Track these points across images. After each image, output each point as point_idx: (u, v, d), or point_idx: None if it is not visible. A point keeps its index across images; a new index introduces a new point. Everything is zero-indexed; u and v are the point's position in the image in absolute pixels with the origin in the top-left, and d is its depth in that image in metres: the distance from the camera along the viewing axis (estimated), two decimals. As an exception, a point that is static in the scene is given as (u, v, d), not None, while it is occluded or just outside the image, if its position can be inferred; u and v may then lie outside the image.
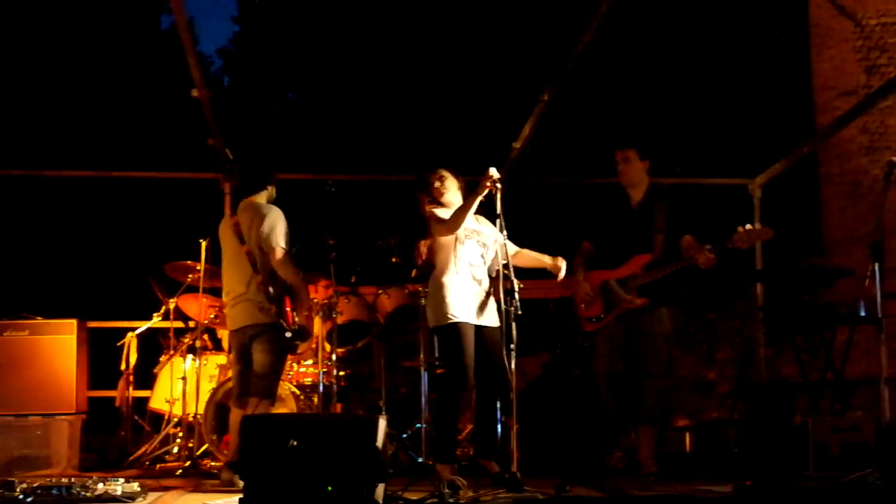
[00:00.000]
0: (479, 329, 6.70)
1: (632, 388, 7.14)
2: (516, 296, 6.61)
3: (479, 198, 6.58)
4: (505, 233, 6.60)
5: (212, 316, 8.34)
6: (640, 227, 7.22)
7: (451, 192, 6.93)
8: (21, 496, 5.80)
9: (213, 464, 7.70)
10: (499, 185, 6.50)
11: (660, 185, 7.48)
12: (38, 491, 5.89)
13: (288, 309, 6.98)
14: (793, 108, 14.36)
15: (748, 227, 6.85)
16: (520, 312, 6.62)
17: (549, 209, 8.61)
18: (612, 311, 7.18)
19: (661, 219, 7.22)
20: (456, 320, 6.65)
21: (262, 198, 7.26)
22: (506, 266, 6.55)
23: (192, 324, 8.59)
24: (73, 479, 6.18)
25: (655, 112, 15.70)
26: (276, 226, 7.02)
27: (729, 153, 13.85)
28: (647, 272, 7.09)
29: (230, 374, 7.89)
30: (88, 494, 5.88)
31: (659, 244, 7.15)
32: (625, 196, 7.38)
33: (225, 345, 8.95)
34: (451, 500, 5.63)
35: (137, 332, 8.72)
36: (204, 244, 8.10)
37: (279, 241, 6.96)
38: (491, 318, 6.79)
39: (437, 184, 6.88)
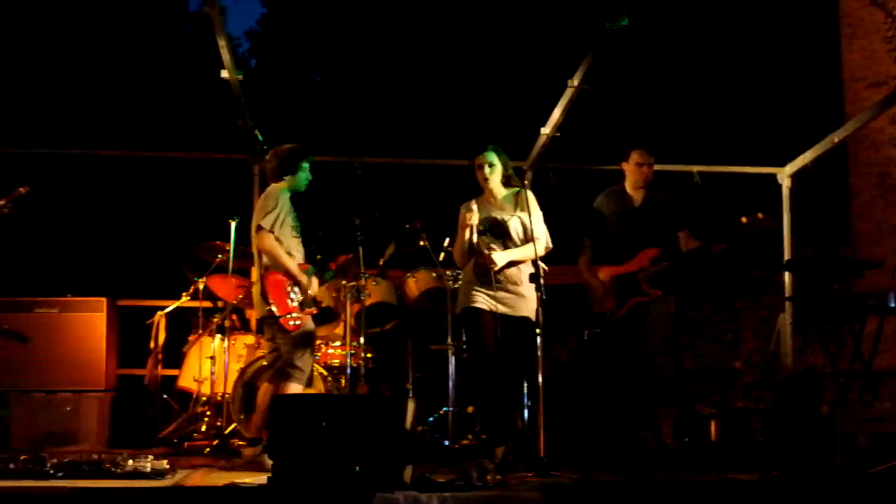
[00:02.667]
0: (497, 317, 6.75)
1: (644, 372, 7.18)
2: (541, 281, 6.66)
3: (465, 236, 6.86)
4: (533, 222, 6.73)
5: (240, 296, 8.38)
6: (643, 223, 7.31)
7: (495, 178, 7.00)
8: (51, 471, 5.86)
9: (240, 442, 7.74)
10: (475, 223, 6.81)
11: (656, 183, 7.53)
12: (69, 466, 5.94)
13: (284, 297, 6.98)
14: (822, 99, 14.29)
15: (750, 217, 6.88)
16: (545, 297, 6.68)
17: (578, 195, 8.59)
18: (625, 305, 7.23)
19: (664, 213, 7.32)
20: (469, 307, 6.75)
21: (283, 184, 7.25)
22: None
23: (220, 304, 8.63)
24: (102, 455, 6.24)
25: (685, 101, 15.66)
26: (266, 206, 7.04)
27: (759, 142, 13.79)
28: (655, 265, 7.15)
29: (258, 353, 7.97)
30: (118, 470, 5.93)
31: (664, 238, 7.24)
32: (624, 196, 7.45)
33: (253, 325, 9.01)
34: (478, 483, 5.64)
35: (166, 311, 8.77)
36: (233, 224, 8.12)
37: (260, 221, 6.97)
38: (512, 309, 6.84)
39: (476, 173, 6.98)
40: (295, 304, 6.97)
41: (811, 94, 15.32)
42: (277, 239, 7.00)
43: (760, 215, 6.95)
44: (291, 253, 7.09)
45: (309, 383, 7.16)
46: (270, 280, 7.00)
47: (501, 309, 6.79)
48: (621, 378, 7.27)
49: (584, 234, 7.57)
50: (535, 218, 6.94)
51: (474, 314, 6.82)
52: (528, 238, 6.88)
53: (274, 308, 6.88)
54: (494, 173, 7.01)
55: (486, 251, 6.83)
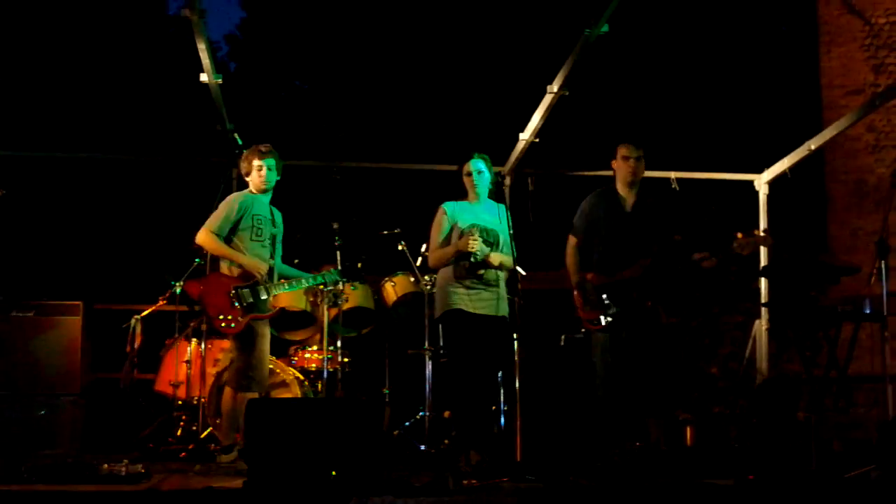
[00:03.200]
0: (479, 319, 6.78)
1: (634, 382, 7.14)
2: (518, 286, 6.71)
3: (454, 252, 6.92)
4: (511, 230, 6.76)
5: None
6: (635, 229, 7.24)
7: (483, 186, 7.04)
8: (26, 475, 5.83)
9: (215, 447, 7.72)
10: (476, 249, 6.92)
11: (648, 188, 7.49)
12: (43, 470, 5.92)
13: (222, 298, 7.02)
14: (800, 106, 14.35)
15: (748, 235, 6.87)
16: (521, 302, 6.71)
17: (556, 201, 8.61)
18: (614, 314, 7.14)
19: (655, 219, 7.26)
20: (451, 308, 6.76)
21: (245, 191, 7.44)
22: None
23: (196, 308, 8.60)
24: (77, 459, 6.22)
25: (663, 107, 15.69)
26: (216, 210, 7.26)
27: (736, 149, 13.83)
28: (649, 274, 7.11)
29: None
30: (93, 474, 5.92)
31: (656, 245, 7.18)
32: (616, 196, 7.38)
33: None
34: (454, 488, 5.65)
35: (143, 314, 8.74)
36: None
37: (208, 222, 7.15)
38: (491, 308, 6.86)
39: (465, 179, 7.01)
40: (237, 305, 6.96)
41: (789, 101, 15.37)
42: (229, 240, 7.09)
43: (759, 232, 6.97)
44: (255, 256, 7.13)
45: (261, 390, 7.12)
46: (210, 280, 7.17)
47: (480, 309, 6.81)
48: (610, 383, 7.21)
49: (571, 232, 7.48)
50: (507, 234, 6.99)
51: (456, 315, 6.82)
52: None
53: (203, 307, 6.99)
54: (483, 180, 7.06)
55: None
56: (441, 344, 7.89)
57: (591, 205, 7.45)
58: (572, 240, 7.45)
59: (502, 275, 7.04)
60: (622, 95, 15.77)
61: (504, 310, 6.94)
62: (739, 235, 6.81)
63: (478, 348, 6.89)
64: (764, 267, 9.19)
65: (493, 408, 7.15)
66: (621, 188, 7.36)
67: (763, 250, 9.19)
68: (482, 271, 6.89)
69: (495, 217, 7.12)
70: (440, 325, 7.15)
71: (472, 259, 6.93)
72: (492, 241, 6.99)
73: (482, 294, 6.86)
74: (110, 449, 7.91)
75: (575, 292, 7.40)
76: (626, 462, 7.02)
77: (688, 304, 12.27)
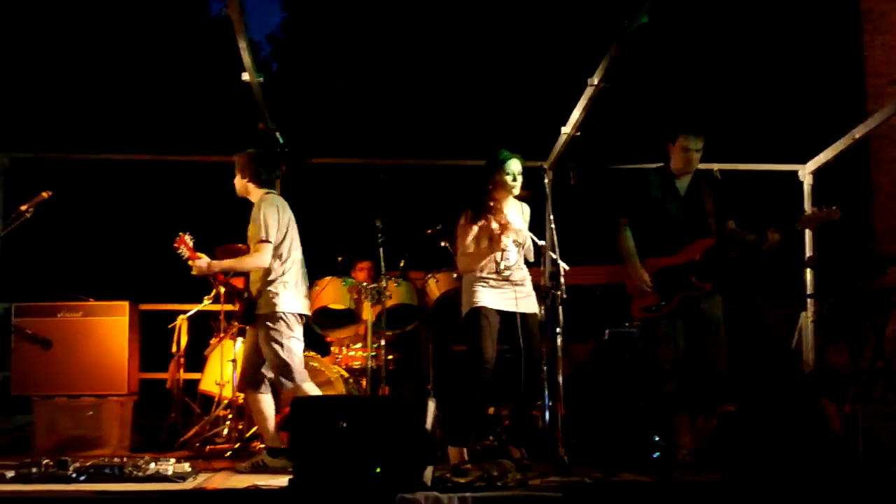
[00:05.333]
0: (510, 316, 6.74)
1: (694, 375, 7.06)
2: (562, 280, 6.68)
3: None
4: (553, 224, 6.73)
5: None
6: (690, 213, 7.14)
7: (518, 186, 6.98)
8: (74, 475, 5.89)
9: (261, 445, 7.75)
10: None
11: (702, 170, 7.39)
12: (91, 470, 5.98)
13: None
14: (844, 96, 14.22)
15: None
16: (565, 297, 6.69)
17: (598, 195, 8.59)
18: (673, 299, 7.08)
19: (710, 203, 7.16)
20: (478, 306, 6.71)
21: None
22: (552, 251, 6.67)
23: (245, 295, 8.60)
24: (125, 459, 6.28)
25: (705, 97, 15.61)
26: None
27: (780, 139, 13.73)
28: (708, 257, 7.03)
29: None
30: (140, 474, 5.97)
31: (714, 229, 7.10)
32: (671, 182, 7.28)
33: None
34: (498, 484, 5.65)
35: (188, 314, 8.79)
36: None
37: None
38: (525, 306, 6.83)
39: (506, 178, 6.92)
40: None
41: (832, 92, 15.25)
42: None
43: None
44: None
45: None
46: None
47: (509, 307, 6.77)
48: (663, 379, 7.13)
49: (620, 213, 7.38)
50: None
51: (481, 314, 6.73)
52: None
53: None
54: (519, 182, 6.99)
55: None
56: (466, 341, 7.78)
57: (646, 185, 7.33)
58: (623, 221, 7.34)
59: (527, 273, 6.98)
60: (665, 87, 15.69)
61: (532, 307, 6.88)
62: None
63: (509, 345, 6.87)
64: (809, 258, 9.12)
65: (539, 403, 7.10)
66: (673, 171, 7.28)
67: (808, 241, 9.14)
68: (509, 272, 6.83)
69: (518, 214, 7.07)
70: (465, 323, 7.03)
71: (502, 266, 6.85)
72: (521, 242, 6.93)
73: (508, 293, 6.80)
74: (157, 449, 7.97)
75: (628, 280, 7.34)
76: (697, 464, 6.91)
77: (747, 290, 12.17)
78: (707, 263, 7.02)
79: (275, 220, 7.03)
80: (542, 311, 7.25)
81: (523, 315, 6.79)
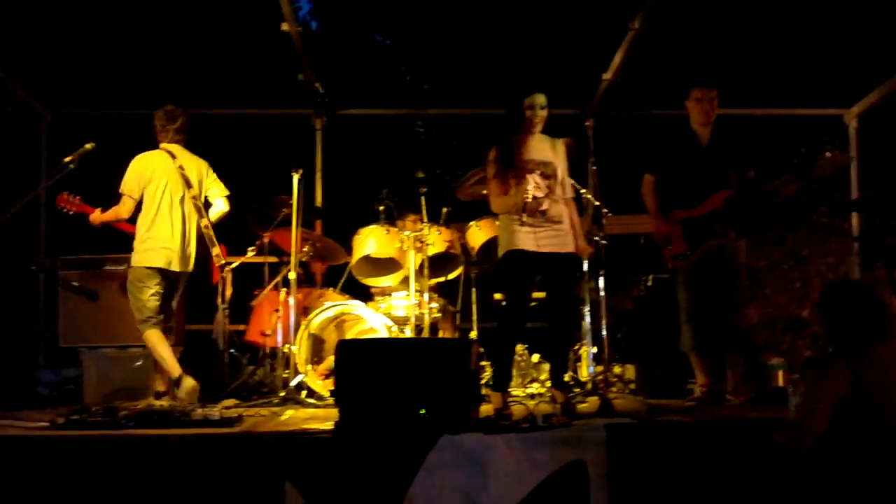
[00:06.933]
0: (544, 257, 6.68)
1: (716, 318, 7.12)
2: (604, 222, 6.68)
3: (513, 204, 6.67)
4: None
5: (305, 249, 8.46)
6: (712, 164, 7.20)
7: (541, 124, 6.89)
8: (123, 421, 5.96)
9: (308, 393, 7.81)
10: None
11: (721, 120, 7.41)
12: (139, 416, 6.04)
13: None
14: (889, 38, 14.01)
15: (829, 153, 6.78)
16: (605, 242, 6.69)
17: (639, 143, 8.52)
18: (699, 248, 7.15)
19: (731, 154, 7.21)
20: (513, 249, 6.65)
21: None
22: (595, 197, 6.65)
23: (285, 258, 8.66)
24: (172, 405, 6.35)
25: (745, 41, 15.42)
26: None
27: (824, 83, 13.57)
28: (729, 206, 7.07)
29: (325, 304, 8.04)
30: (187, 419, 6.03)
31: (735, 179, 7.13)
32: (692, 134, 7.34)
33: (318, 278, 9.07)
34: (542, 425, 5.66)
35: (233, 266, 8.82)
36: (296, 177, 8.11)
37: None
38: (558, 245, 6.76)
39: (528, 112, 6.82)
40: None
41: (878, 34, 15.01)
42: None
43: (834, 153, 6.87)
44: None
45: None
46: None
47: (546, 247, 6.70)
48: (686, 322, 7.22)
49: (647, 170, 7.45)
50: (565, 167, 6.91)
51: (518, 256, 6.68)
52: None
53: None
54: (544, 115, 6.92)
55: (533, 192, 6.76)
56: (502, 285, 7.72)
57: (666, 143, 7.46)
58: (649, 178, 7.44)
59: (565, 209, 6.91)
60: (704, 31, 15.50)
61: (571, 245, 6.84)
62: (821, 157, 6.71)
63: (547, 287, 6.83)
64: (855, 200, 9.06)
65: (559, 348, 7.06)
66: (696, 126, 7.34)
67: (854, 183, 9.08)
68: (545, 207, 6.75)
69: (550, 150, 6.99)
70: (500, 266, 7.00)
71: (531, 199, 6.77)
72: (550, 174, 6.85)
73: (548, 231, 6.74)
74: (204, 399, 8.01)
75: (655, 231, 7.38)
76: (711, 399, 7.02)
77: (769, 239, 12.12)
78: (729, 212, 7.07)
79: (134, 175, 7.51)
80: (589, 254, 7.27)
81: (560, 255, 6.72)
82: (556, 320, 6.74)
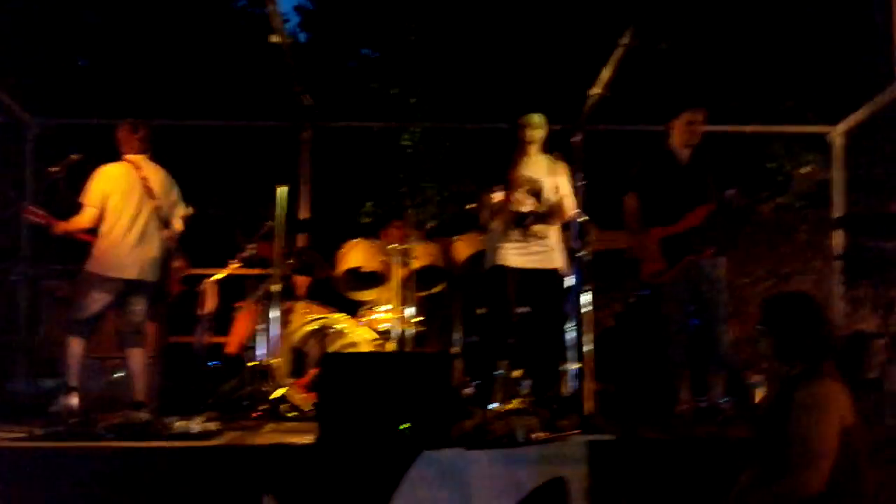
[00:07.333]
0: (528, 273, 6.71)
1: (700, 334, 7.13)
2: (590, 237, 6.71)
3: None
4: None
5: (289, 261, 8.45)
6: (692, 182, 7.25)
7: (538, 141, 6.95)
8: (102, 432, 5.94)
9: (288, 407, 7.78)
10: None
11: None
12: (118, 428, 6.02)
13: None
14: (874, 55, 14.05)
15: (802, 170, 6.84)
16: (590, 257, 6.72)
17: (626, 157, 8.55)
18: (676, 264, 7.18)
19: (711, 171, 7.27)
20: (498, 264, 6.70)
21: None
22: (580, 214, 6.66)
23: (269, 270, 8.64)
24: (151, 418, 6.32)
25: (731, 60, 15.46)
26: None
27: (808, 102, 13.63)
28: (708, 223, 7.11)
29: (307, 318, 8.01)
30: (167, 431, 6.01)
31: (714, 196, 7.14)
32: (670, 153, 7.40)
33: (300, 291, 9.04)
34: (523, 441, 5.65)
35: (215, 278, 8.80)
36: (279, 191, 8.10)
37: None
38: (542, 262, 6.79)
39: (520, 132, 6.89)
40: None
41: (862, 52, 15.06)
42: None
43: (811, 168, 6.91)
44: None
45: None
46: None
47: (531, 264, 6.73)
48: (671, 339, 7.23)
49: (628, 188, 7.48)
50: (566, 182, 6.95)
51: (502, 272, 6.72)
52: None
53: None
54: (538, 136, 6.99)
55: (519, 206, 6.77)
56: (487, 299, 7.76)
57: (646, 162, 7.51)
58: (632, 197, 7.47)
59: (552, 230, 6.94)
60: (689, 49, 15.55)
61: (556, 262, 6.87)
62: (802, 171, 6.76)
63: (530, 303, 6.85)
64: (838, 218, 9.07)
65: (565, 367, 7.09)
66: (677, 146, 7.38)
67: (837, 201, 9.09)
68: (528, 223, 6.78)
69: (545, 169, 7.02)
70: (486, 280, 7.02)
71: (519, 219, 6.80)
72: (537, 191, 6.89)
73: (532, 247, 6.78)
74: (184, 412, 7.95)
75: (636, 248, 7.40)
76: (694, 418, 7.02)
77: (751, 256, 12.15)
78: (707, 229, 7.11)
79: (95, 185, 7.51)
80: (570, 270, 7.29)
81: (544, 271, 6.76)
82: (538, 336, 6.75)
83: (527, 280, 6.70)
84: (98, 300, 7.46)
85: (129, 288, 7.52)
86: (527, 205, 6.79)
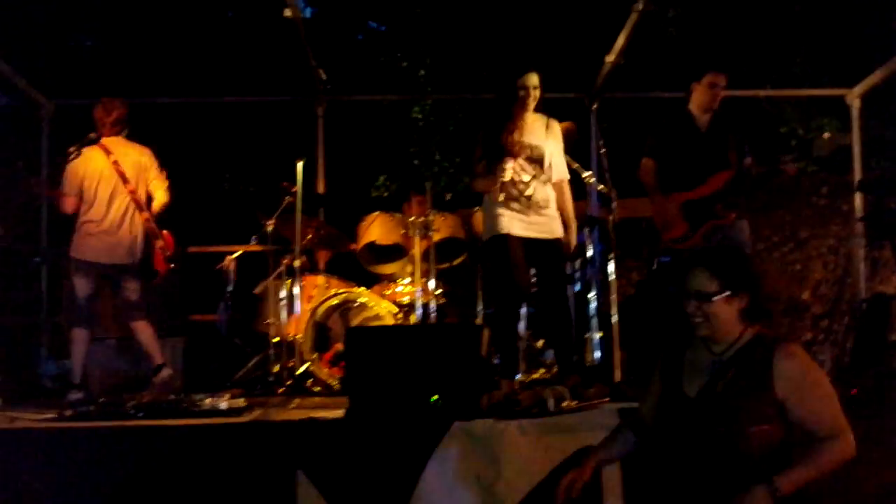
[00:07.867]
0: (530, 243, 6.65)
1: None
2: (613, 206, 6.66)
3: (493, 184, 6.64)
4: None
5: (309, 237, 8.44)
6: (712, 147, 7.20)
7: (532, 106, 6.83)
8: (132, 411, 5.95)
9: (313, 382, 7.79)
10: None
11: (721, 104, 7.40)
12: (147, 407, 6.03)
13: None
14: (889, 17, 13.95)
15: (826, 135, 6.80)
16: (616, 220, 6.68)
17: (640, 125, 8.50)
18: (699, 230, 7.14)
19: (731, 136, 7.22)
20: (499, 234, 6.61)
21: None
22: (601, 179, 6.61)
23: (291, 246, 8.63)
24: (181, 396, 6.34)
25: (747, 21, 15.36)
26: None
27: (826, 63, 13.54)
28: (731, 187, 7.07)
29: (330, 292, 8.01)
30: (196, 409, 6.01)
31: (735, 161, 7.12)
32: (690, 117, 7.34)
33: (322, 266, 9.04)
34: (553, 410, 5.64)
35: (236, 255, 8.80)
36: (299, 166, 8.10)
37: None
38: (544, 232, 6.73)
39: (521, 93, 6.77)
40: None
41: (881, 14, 14.97)
42: None
43: (832, 134, 6.89)
44: None
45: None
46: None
47: (532, 232, 6.67)
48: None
49: (646, 154, 7.42)
50: (559, 148, 6.90)
51: (503, 241, 6.64)
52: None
53: None
54: (538, 95, 6.85)
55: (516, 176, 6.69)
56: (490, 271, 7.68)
57: (665, 127, 7.44)
58: (648, 162, 7.41)
59: (552, 197, 6.87)
60: (706, 12, 15.45)
61: (557, 231, 6.80)
62: (825, 135, 6.72)
63: (536, 273, 6.80)
64: (860, 181, 9.04)
65: (559, 332, 7.01)
66: (696, 110, 7.33)
67: (857, 164, 9.05)
68: (530, 192, 6.72)
69: (543, 132, 6.94)
70: (486, 251, 6.95)
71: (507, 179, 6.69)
72: (537, 158, 6.80)
73: (532, 216, 6.70)
74: (209, 389, 7.95)
75: (654, 214, 7.37)
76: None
77: (769, 221, 12.10)
78: (730, 193, 7.08)
79: (69, 173, 7.53)
80: (589, 241, 7.25)
81: (546, 241, 6.69)
82: (549, 306, 6.72)
83: (529, 250, 6.63)
84: (84, 285, 7.56)
85: (113, 272, 7.58)
86: (528, 172, 6.71)
